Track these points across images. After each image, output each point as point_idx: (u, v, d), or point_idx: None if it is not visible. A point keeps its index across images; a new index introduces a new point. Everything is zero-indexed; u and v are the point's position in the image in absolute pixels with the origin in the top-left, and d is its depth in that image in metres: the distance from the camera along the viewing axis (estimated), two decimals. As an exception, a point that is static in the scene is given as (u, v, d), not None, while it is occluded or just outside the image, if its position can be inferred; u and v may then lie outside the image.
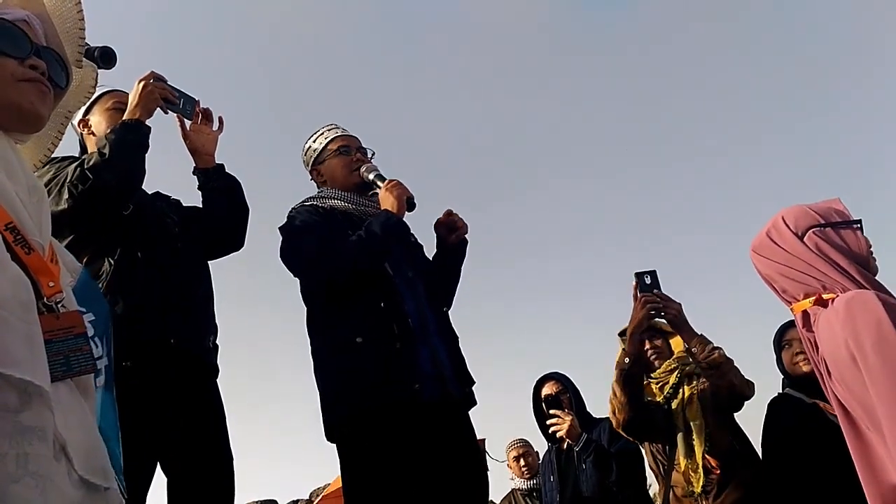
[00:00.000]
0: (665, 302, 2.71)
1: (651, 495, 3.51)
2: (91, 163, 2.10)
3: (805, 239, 1.86)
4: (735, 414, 2.91)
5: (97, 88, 2.42)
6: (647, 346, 3.02)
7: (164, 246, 2.32)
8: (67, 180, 2.09)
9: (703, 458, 2.76)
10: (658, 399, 2.97)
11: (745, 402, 2.83)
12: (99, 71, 1.37)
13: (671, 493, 2.89)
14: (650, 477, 3.35)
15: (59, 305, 0.98)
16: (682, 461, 2.82)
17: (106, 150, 2.11)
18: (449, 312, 2.45)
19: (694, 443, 2.82)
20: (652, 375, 3.05)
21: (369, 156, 2.50)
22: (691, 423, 2.84)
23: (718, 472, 2.74)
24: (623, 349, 2.81)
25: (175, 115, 2.38)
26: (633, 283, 2.74)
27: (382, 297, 2.20)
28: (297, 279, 2.36)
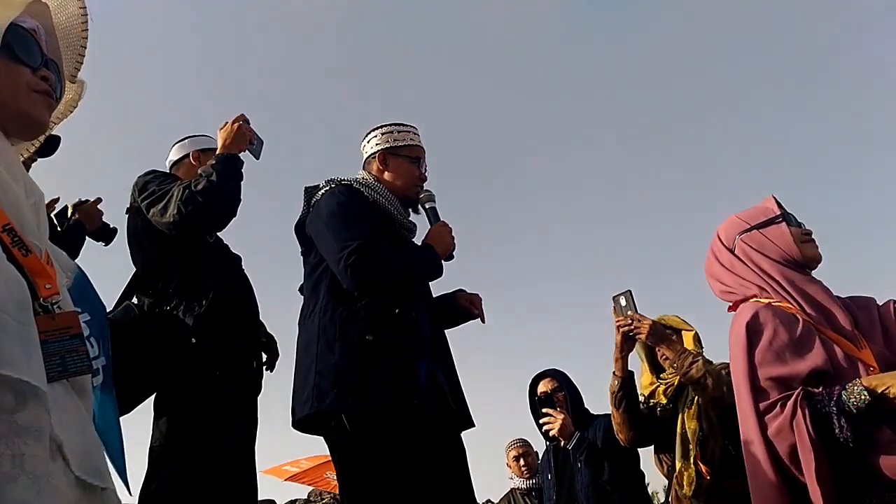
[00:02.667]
0: (636, 325, 2.76)
1: (650, 493, 3.52)
2: (201, 187, 2.36)
3: (735, 249, 2.01)
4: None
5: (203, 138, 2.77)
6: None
7: (242, 275, 2.69)
8: (177, 199, 2.37)
9: (695, 463, 2.79)
10: (663, 401, 2.99)
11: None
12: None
13: (674, 492, 2.91)
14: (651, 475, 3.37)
15: (55, 306, 0.99)
16: (677, 464, 2.84)
17: (214, 178, 2.39)
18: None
19: (690, 446, 2.84)
20: (661, 376, 3.06)
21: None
22: (686, 428, 2.87)
23: (709, 478, 2.76)
24: (614, 373, 2.89)
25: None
26: (612, 307, 2.84)
27: (397, 304, 2.20)
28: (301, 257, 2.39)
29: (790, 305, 1.90)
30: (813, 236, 1.99)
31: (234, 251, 2.78)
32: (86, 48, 1.22)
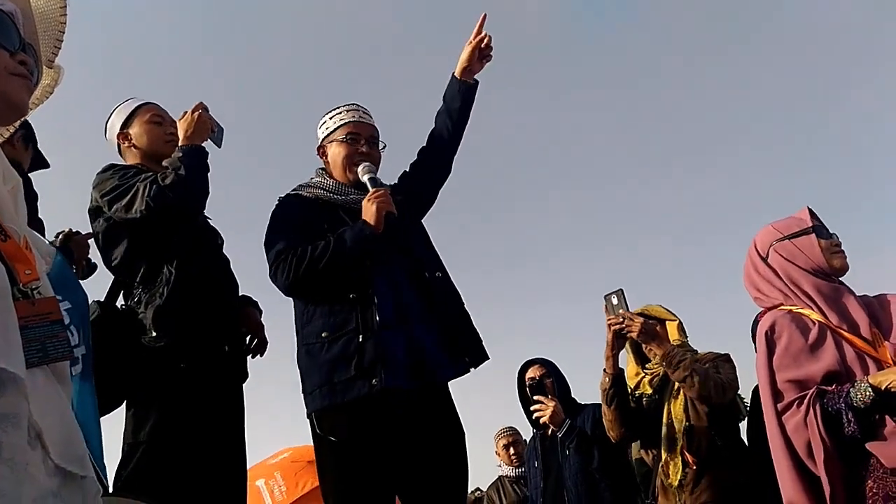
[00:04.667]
0: (628, 321, 2.80)
1: (639, 481, 3.54)
2: (169, 181, 2.30)
3: (769, 258, 2.16)
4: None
5: (131, 100, 2.64)
6: None
7: (214, 255, 2.59)
8: (143, 194, 2.29)
9: (682, 452, 2.81)
10: (649, 392, 3.01)
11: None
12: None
13: (659, 482, 2.94)
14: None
15: (34, 292, 0.97)
16: (663, 454, 2.86)
17: (183, 172, 2.32)
18: (450, 277, 2.38)
19: (676, 437, 2.86)
20: (646, 367, 3.08)
21: (381, 148, 2.45)
22: (673, 418, 2.88)
23: (695, 467, 2.78)
24: (604, 370, 2.92)
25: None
26: (603, 305, 2.86)
27: (353, 288, 2.18)
28: None
29: (812, 311, 2.05)
30: (842, 247, 2.13)
31: (214, 227, 2.69)
32: (64, 33, 1.20)
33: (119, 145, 2.63)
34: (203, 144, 2.45)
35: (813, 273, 2.10)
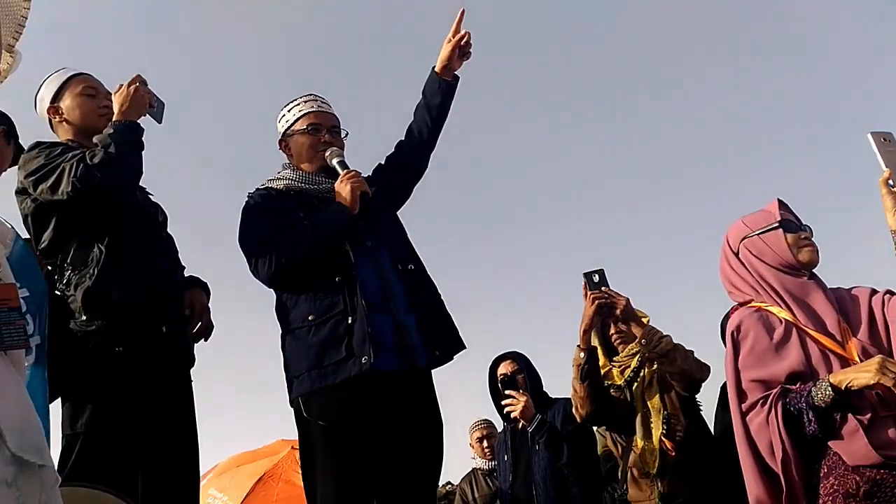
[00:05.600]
0: (612, 298, 2.80)
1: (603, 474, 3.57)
2: (97, 160, 2.15)
3: (739, 254, 2.15)
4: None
5: (62, 70, 2.48)
6: (612, 330, 3.07)
7: (151, 233, 2.41)
8: (69, 174, 2.14)
9: (661, 440, 2.83)
10: (619, 382, 3.02)
11: (703, 385, 2.90)
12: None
13: (629, 474, 2.94)
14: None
15: (-7, 277, 0.96)
16: (639, 443, 2.87)
17: (112, 150, 2.16)
18: (425, 269, 2.38)
19: (652, 425, 2.87)
20: (614, 359, 3.10)
21: (343, 136, 2.44)
22: (650, 406, 2.90)
23: (674, 454, 2.81)
24: (578, 346, 2.88)
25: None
26: (582, 282, 2.83)
27: (338, 271, 2.17)
28: None
29: (780, 308, 2.05)
30: (811, 239, 2.10)
31: (155, 203, 2.54)
32: (26, 19, 1.18)
33: (50, 120, 2.45)
34: (141, 121, 2.30)
35: (781, 269, 2.09)
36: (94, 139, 2.26)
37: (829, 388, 1.83)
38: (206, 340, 2.50)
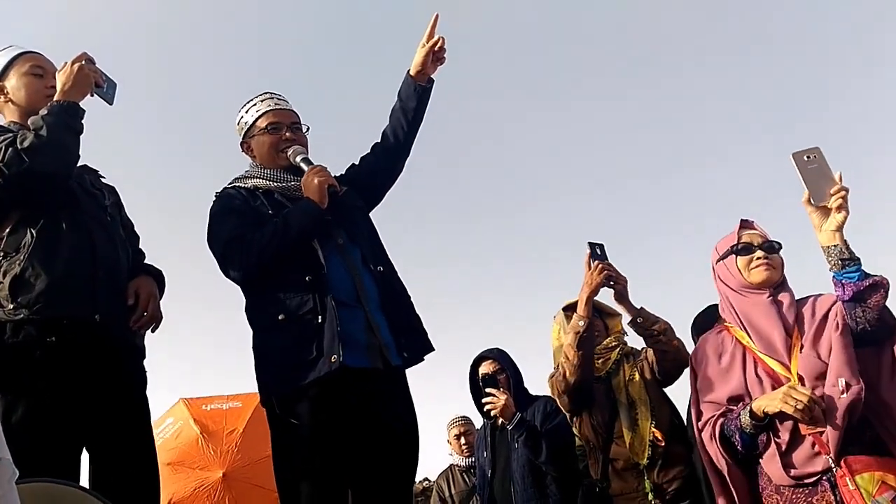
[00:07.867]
0: (616, 273, 2.80)
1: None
2: (27, 144, 2.05)
3: (716, 278, 2.31)
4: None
5: (9, 48, 2.38)
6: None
7: (92, 217, 2.28)
8: None
9: (651, 431, 2.82)
10: (599, 374, 3.02)
11: (677, 378, 2.91)
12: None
13: (610, 466, 2.93)
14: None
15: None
16: (626, 434, 2.87)
17: (44, 133, 2.06)
18: (396, 271, 2.37)
19: (638, 416, 2.88)
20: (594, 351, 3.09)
21: (304, 131, 2.43)
22: (636, 398, 2.91)
23: (664, 444, 2.80)
24: (577, 314, 2.86)
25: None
26: (587, 251, 2.83)
27: (308, 270, 2.15)
28: None
29: (739, 329, 2.19)
30: (766, 258, 2.18)
31: (104, 185, 2.43)
32: None
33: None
34: (84, 102, 2.19)
35: (741, 291, 2.20)
36: (29, 121, 2.16)
37: (748, 415, 2.01)
38: (153, 331, 2.38)
